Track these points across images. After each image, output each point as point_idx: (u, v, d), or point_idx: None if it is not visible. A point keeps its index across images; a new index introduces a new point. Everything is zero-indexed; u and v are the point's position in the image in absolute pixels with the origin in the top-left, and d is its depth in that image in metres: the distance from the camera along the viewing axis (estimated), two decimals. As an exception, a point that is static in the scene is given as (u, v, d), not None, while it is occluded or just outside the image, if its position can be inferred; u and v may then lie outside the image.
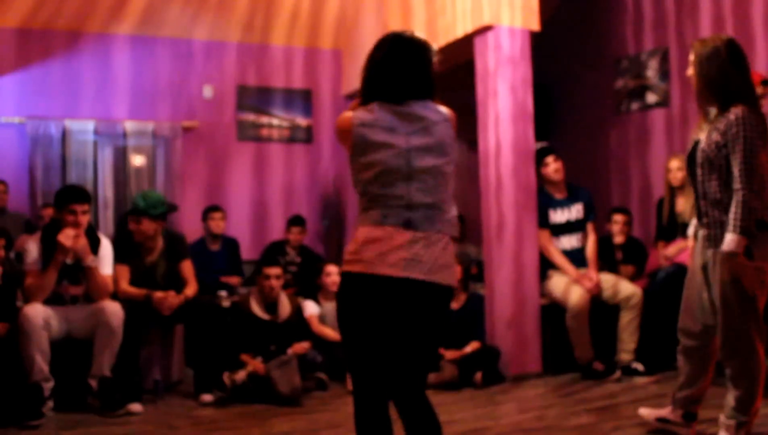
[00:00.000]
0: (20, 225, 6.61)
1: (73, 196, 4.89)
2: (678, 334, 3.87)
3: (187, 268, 5.44)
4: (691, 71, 3.66)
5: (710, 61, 3.54)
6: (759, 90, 4.81)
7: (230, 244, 7.18)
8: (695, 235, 3.80)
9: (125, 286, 5.21)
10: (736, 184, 3.40)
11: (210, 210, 7.10)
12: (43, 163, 7.21)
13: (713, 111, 3.60)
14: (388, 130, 2.61)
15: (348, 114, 2.66)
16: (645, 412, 4.03)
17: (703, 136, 3.58)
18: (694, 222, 3.88)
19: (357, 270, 2.57)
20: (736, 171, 3.40)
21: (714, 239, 3.52)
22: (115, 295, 5.08)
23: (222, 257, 7.03)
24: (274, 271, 5.44)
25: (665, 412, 3.97)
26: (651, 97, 7.14)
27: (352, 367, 2.68)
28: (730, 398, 3.63)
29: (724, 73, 3.52)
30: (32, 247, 4.89)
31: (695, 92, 3.65)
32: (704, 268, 3.64)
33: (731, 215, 3.39)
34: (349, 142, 2.63)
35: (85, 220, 4.88)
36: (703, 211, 3.58)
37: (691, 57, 3.64)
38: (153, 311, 5.11)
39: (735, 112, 3.43)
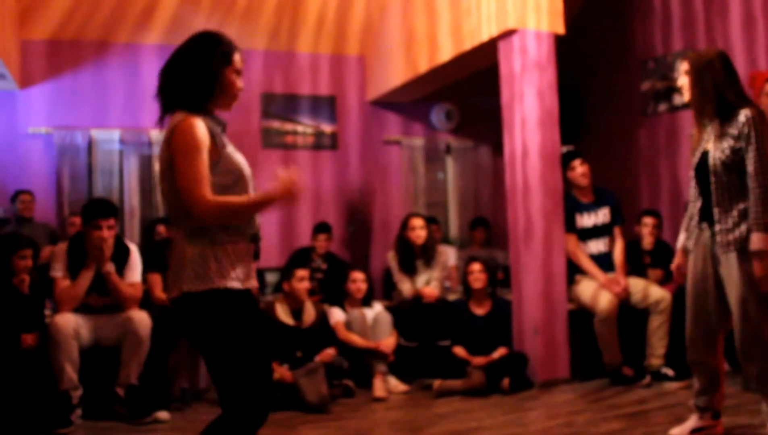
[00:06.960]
0: (46, 235, 6.63)
1: (98, 210, 4.86)
2: (687, 344, 3.87)
3: None
4: (684, 82, 3.72)
5: (706, 72, 3.61)
6: (767, 88, 4.90)
7: None
8: (685, 248, 3.85)
9: (160, 293, 5.24)
10: (752, 182, 3.47)
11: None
12: (69, 173, 7.24)
13: (707, 121, 3.67)
14: None
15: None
16: (676, 431, 3.94)
17: (710, 145, 3.64)
18: (682, 237, 3.90)
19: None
20: (750, 169, 3.47)
21: (728, 244, 3.56)
22: (145, 304, 5.08)
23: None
24: (301, 273, 5.48)
25: (694, 422, 3.91)
26: (678, 99, 7.06)
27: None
28: (764, 406, 3.59)
29: (719, 84, 3.59)
30: (60, 257, 4.92)
31: (691, 102, 3.72)
32: (715, 274, 3.67)
33: (751, 214, 3.46)
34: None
35: (110, 234, 4.86)
36: (716, 218, 3.62)
37: (685, 68, 3.70)
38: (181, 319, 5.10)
39: (745, 113, 3.52)
